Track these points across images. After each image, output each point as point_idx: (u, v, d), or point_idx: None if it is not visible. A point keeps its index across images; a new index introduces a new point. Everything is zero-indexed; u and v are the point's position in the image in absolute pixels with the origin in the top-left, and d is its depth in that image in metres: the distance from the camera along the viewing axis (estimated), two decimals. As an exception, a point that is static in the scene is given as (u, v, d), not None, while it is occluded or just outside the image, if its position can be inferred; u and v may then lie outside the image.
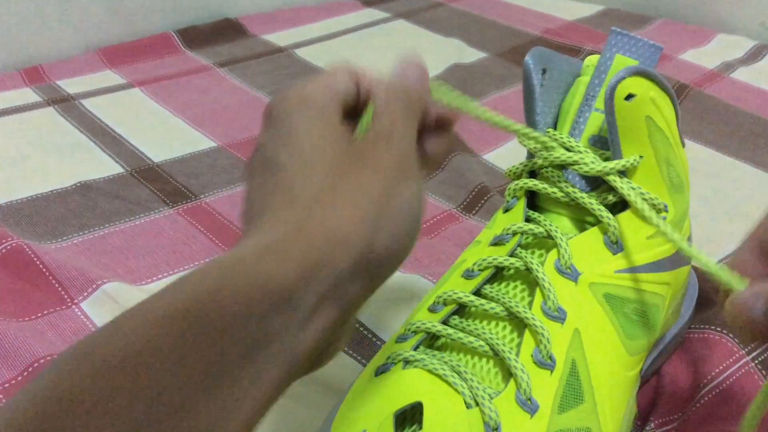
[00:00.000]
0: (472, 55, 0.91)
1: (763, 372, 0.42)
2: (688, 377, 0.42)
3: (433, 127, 0.33)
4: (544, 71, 0.37)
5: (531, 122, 0.37)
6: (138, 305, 0.21)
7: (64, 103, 0.76)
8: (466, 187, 0.62)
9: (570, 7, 1.08)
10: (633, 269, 0.36)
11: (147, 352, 0.20)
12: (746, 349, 0.43)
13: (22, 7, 0.85)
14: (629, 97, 0.35)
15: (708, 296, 0.46)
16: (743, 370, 0.42)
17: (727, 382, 0.41)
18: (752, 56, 0.90)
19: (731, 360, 0.42)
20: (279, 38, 0.95)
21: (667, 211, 0.37)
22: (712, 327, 0.44)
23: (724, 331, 0.44)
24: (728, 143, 0.71)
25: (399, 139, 0.29)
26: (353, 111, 0.31)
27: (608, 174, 0.35)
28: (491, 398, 0.31)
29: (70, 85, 0.80)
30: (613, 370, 0.34)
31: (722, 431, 0.39)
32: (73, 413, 0.18)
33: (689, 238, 0.42)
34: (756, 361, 0.43)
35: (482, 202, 0.60)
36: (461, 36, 0.96)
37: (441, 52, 0.91)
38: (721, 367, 0.42)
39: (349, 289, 0.25)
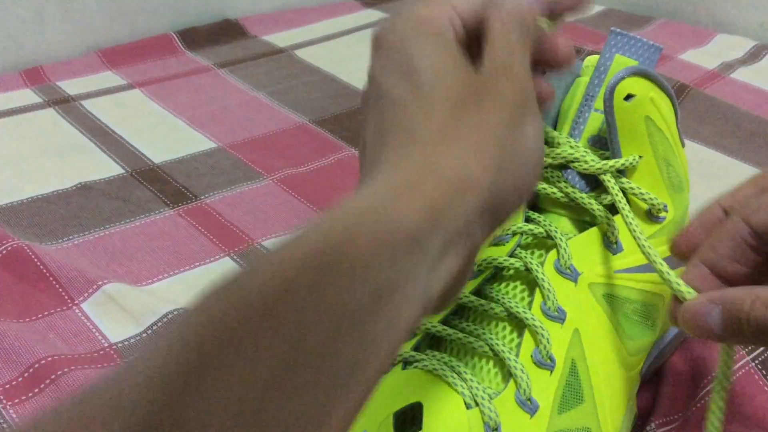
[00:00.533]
0: (472, 55, 0.91)
1: (764, 372, 0.42)
2: (688, 377, 0.42)
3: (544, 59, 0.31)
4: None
5: (530, 123, 0.37)
6: (275, 249, 0.21)
7: (65, 104, 0.76)
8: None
9: (570, 7, 1.08)
10: (633, 269, 0.36)
11: (286, 292, 0.20)
12: (746, 349, 0.43)
13: (23, 8, 0.85)
14: (628, 97, 0.35)
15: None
16: (743, 370, 0.42)
17: (728, 382, 0.41)
18: (752, 56, 0.90)
19: (731, 360, 0.42)
20: (279, 39, 0.95)
21: (666, 211, 0.37)
22: (712, 327, 0.44)
23: (724, 331, 0.44)
24: (728, 143, 0.71)
25: (518, 70, 0.28)
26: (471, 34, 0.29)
27: (606, 172, 0.35)
28: (491, 398, 0.31)
29: (71, 86, 0.80)
30: (612, 370, 0.34)
31: (723, 431, 0.39)
32: (222, 357, 0.18)
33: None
34: (756, 361, 0.43)
35: (482, 202, 0.60)
36: (461, 36, 0.96)
37: (441, 53, 0.91)
38: (721, 367, 0.42)
39: (476, 231, 0.25)
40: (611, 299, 0.35)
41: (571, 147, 0.36)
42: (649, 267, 0.37)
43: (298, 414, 0.19)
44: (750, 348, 0.43)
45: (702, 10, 1.04)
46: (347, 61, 0.89)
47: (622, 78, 0.34)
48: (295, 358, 0.19)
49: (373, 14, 1.04)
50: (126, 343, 0.46)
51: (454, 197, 0.24)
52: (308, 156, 0.68)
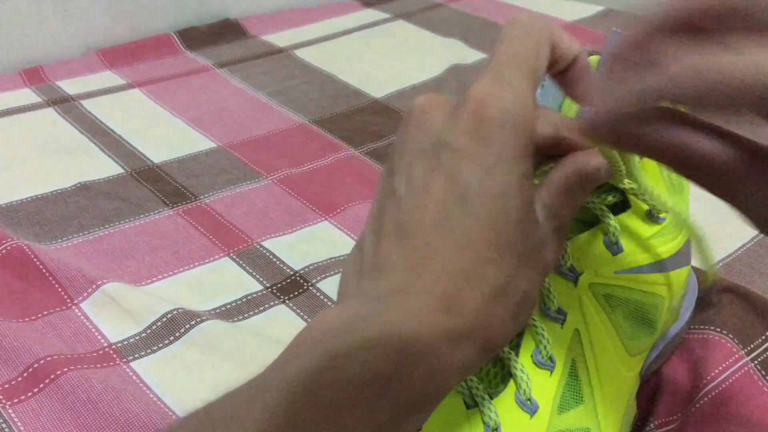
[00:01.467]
0: (472, 55, 0.91)
1: (763, 372, 0.42)
2: (688, 377, 0.42)
3: None
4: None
5: (531, 123, 0.37)
6: (332, 354, 0.23)
7: (64, 104, 0.76)
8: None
9: (570, 7, 1.08)
10: (633, 270, 0.36)
11: (342, 407, 0.22)
12: (746, 350, 0.43)
13: (22, 7, 0.85)
14: (629, 97, 0.35)
15: (708, 297, 0.46)
16: (743, 371, 0.42)
17: (727, 383, 0.41)
18: (752, 57, 0.90)
19: (731, 360, 0.42)
20: (279, 39, 0.95)
21: (666, 211, 0.37)
22: (712, 327, 0.44)
23: (724, 332, 0.44)
24: (728, 144, 0.71)
25: (563, 236, 0.29)
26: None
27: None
28: (491, 398, 0.31)
29: (70, 86, 0.80)
30: (612, 370, 0.34)
31: (722, 431, 0.39)
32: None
33: (689, 240, 0.42)
34: (756, 362, 0.43)
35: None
36: (461, 36, 0.96)
37: (441, 53, 0.91)
38: (721, 368, 0.42)
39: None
40: (611, 300, 0.35)
41: None
42: (649, 268, 0.37)
43: None
44: (749, 348, 0.43)
45: (702, 10, 1.04)
46: (347, 61, 0.89)
47: (623, 78, 0.34)
48: None
49: (373, 14, 1.04)
50: (125, 342, 0.46)
51: (481, 358, 0.26)
52: (308, 156, 0.68)
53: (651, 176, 0.37)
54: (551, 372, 0.32)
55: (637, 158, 0.34)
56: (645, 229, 0.36)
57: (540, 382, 0.32)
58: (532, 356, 0.32)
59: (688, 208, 0.41)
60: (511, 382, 0.32)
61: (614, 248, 0.35)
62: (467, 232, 0.25)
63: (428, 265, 0.25)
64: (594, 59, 0.39)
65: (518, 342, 0.33)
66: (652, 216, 0.37)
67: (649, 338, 0.37)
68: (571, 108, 0.38)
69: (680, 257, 0.39)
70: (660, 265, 0.37)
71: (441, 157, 0.26)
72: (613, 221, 0.35)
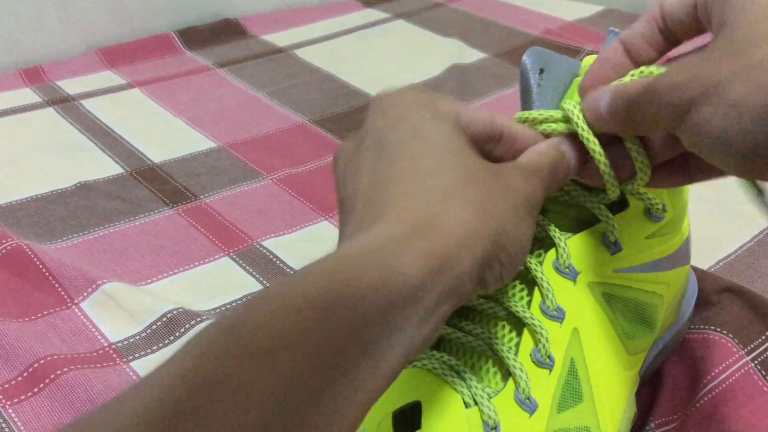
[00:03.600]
0: (472, 55, 0.91)
1: (763, 372, 0.42)
2: (688, 377, 0.42)
3: None
4: (541, 71, 0.37)
5: (530, 122, 0.37)
6: (273, 290, 0.21)
7: (64, 104, 0.76)
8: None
9: (570, 7, 1.08)
10: (632, 269, 0.36)
11: (286, 337, 0.20)
12: (746, 349, 0.43)
13: (22, 7, 0.85)
14: (628, 96, 0.35)
15: (708, 296, 0.46)
16: (743, 370, 0.42)
17: (727, 382, 0.41)
18: (752, 56, 0.90)
19: (731, 360, 0.42)
20: (279, 38, 0.95)
21: (665, 210, 0.37)
22: (712, 327, 0.44)
23: (724, 332, 0.44)
24: (728, 143, 0.71)
25: (538, 184, 0.29)
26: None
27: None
28: (490, 397, 0.31)
29: (70, 86, 0.80)
30: (612, 369, 0.34)
31: (722, 431, 0.39)
32: (219, 394, 0.18)
33: (688, 238, 0.42)
34: (755, 362, 0.43)
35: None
36: (461, 36, 0.96)
37: (441, 53, 0.91)
38: (721, 367, 0.42)
39: (466, 288, 0.25)
40: (610, 299, 0.35)
41: None
42: (648, 267, 0.37)
43: None
44: (749, 348, 0.43)
45: (702, 10, 1.04)
46: (347, 61, 0.89)
47: (621, 77, 0.34)
48: (289, 402, 0.19)
49: (373, 14, 1.04)
50: (125, 342, 0.46)
51: (453, 256, 0.24)
52: (308, 156, 0.68)
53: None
54: (550, 371, 0.32)
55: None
56: (643, 229, 0.36)
57: (539, 381, 0.32)
58: (531, 355, 0.32)
59: (687, 207, 0.40)
60: (510, 381, 0.32)
61: (613, 247, 0.35)
62: (431, 171, 0.27)
63: (396, 201, 0.26)
64: (592, 59, 0.39)
65: (518, 341, 0.33)
66: (650, 215, 0.37)
67: (648, 337, 0.37)
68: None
69: (679, 256, 0.39)
70: (659, 264, 0.37)
71: (402, 124, 0.29)
72: (611, 220, 0.35)
